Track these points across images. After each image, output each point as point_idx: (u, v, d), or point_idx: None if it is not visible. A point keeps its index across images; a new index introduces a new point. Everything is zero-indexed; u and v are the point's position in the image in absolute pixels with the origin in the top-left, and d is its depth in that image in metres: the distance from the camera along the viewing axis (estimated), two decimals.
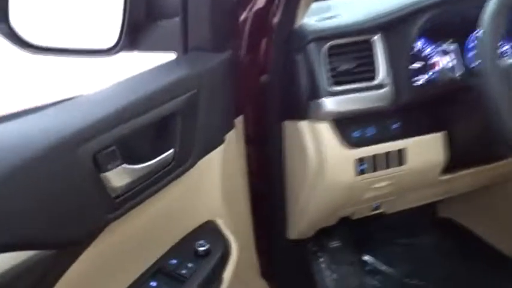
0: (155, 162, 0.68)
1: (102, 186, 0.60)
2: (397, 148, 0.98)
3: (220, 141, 0.83)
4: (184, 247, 0.79)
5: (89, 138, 0.57)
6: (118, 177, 0.62)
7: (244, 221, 1.04)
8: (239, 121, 0.94)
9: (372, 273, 1.38)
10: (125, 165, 0.63)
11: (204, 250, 0.78)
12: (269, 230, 1.12)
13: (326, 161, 0.95)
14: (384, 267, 1.40)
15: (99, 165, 0.59)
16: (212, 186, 0.86)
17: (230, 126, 0.88)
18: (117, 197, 0.63)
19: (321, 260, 1.32)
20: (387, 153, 0.97)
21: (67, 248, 0.60)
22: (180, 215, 0.81)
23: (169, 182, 0.72)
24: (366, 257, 1.40)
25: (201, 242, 0.79)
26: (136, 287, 0.72)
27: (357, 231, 1.37)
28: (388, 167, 0.98)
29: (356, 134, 0.95)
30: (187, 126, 0.73)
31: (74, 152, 0.56)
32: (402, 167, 0.99)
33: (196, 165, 0.76)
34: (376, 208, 1.14)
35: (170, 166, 0.71)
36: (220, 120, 0.83)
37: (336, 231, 1.34)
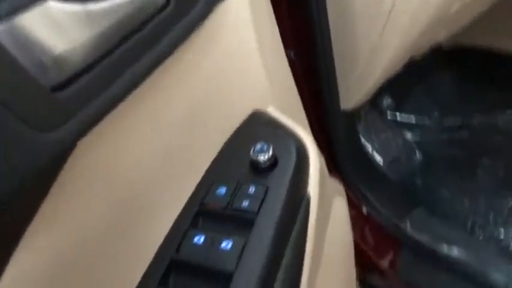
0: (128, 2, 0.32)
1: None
2: None
3: None
4: (232, 162, 0.44)
5: None
6: (44, 36, 0.28)
7: (294, 104, 0.68)
8: None
9: (410, 129, 1.17)
10: (54, 2, 0.28)
11: (267, 159, 0.42)
12: (325, 107, 0.82)
13: None
14: (417, 120, 1.19)
15: None
16: (248, 49, 0.49)
17: None
18: (58, 87, 0.29)
19: (359, 131, 1.07)
20: None
21: None
22: (206, 109, 0.45)
23: (172, 47, 0.37)
24: (396, 115, 1.19)
25: (259, 145, 0.42)
26: (164, 252, 0.38)
27: None
28: None
29: None
30: None
31: None
32: None
33: (214, 16, 0.42)
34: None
35: (165, 13, 0.36)
36: None
37: None
